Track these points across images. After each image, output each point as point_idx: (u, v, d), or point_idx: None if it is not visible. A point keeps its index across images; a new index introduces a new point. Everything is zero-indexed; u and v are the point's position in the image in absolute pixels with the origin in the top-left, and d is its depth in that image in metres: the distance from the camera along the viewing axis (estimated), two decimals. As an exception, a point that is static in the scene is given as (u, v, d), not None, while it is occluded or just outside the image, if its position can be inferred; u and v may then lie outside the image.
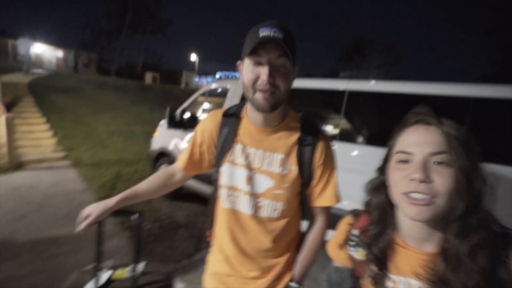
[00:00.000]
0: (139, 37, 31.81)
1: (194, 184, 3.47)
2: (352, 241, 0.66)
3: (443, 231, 0.52)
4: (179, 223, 3.31)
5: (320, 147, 0.87)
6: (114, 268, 1.14)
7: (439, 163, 0.49)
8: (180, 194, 3.92)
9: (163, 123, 3.94)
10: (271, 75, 0.75)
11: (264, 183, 0.87)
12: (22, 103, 7.88)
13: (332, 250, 0.75)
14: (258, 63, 0.77)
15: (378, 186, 0.62)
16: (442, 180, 0.48)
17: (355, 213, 0.72)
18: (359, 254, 0.64)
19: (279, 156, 0.86)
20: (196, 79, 32.35)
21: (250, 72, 0.78)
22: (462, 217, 0.49)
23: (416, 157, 0.51)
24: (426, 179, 0.48)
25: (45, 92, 9.83)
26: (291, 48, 0.75)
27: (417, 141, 0.52)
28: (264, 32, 0.74)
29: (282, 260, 0.93)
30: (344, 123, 2.45)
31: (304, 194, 0.92)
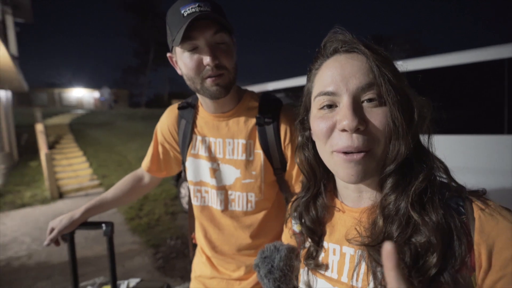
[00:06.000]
0: (163, 69, 34.55)
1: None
2: (295, 211, 0.55)
3: (381, 184, 0.41)
4: (200, 238, 3.28)
5: (283, 124, 0.76)
6: (101, 285, 1.08)
7: (370, 100, 0.37)
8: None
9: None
10: (214, 57, 0.64)
11: (230, 174, 0.79)
12: (63, 140, 8.83)
13: (284, 230, 0.62)
14: (194, 49, 0.65)
15: (303, 145, 0.49)
16: (378, 121, 0.37)
17: None
18: (298, 226, 0.53)
19: (240, 142, 0.77)
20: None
21: (188, 61, 0.66)
22: (401, 165, 0.38)
23: (342, 98, 0.38)
24: (361, 125, 0.36)
25: (83, 129, 11.02)
26: (224, 19, 0.65)
27: (340, 75, 0.39)
28: (188, 10, 0.62)
29: None
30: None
31: (283, 181, 0.82)
